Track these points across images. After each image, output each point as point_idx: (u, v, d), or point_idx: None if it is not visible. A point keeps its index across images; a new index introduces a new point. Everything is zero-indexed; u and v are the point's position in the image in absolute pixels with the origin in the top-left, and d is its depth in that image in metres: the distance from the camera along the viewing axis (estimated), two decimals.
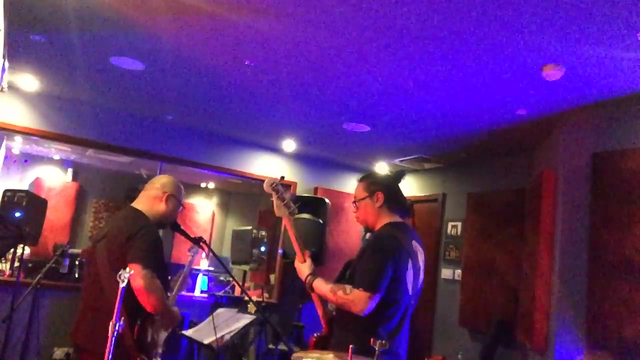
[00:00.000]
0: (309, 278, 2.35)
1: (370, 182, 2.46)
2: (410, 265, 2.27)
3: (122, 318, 1.89)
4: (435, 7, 2.46)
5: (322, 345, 2.37)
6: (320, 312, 2.43)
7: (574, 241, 3.48)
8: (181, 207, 2.78)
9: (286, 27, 2.85)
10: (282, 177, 2.45)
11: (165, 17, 2.88)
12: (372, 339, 1.75)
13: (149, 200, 2.64)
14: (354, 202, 2.50)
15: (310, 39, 2.96)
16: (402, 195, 2.48)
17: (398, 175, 2.51)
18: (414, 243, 2.36)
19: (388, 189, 2.43)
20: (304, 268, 2.41)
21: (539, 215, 3.81)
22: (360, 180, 2.51)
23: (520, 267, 4.39)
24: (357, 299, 2.14)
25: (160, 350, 2.58)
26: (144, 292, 2.34)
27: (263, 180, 6.51)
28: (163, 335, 2.60)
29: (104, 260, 2.46)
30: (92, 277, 2.51)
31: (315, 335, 2.46)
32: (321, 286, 2.30)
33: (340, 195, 6.01)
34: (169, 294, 2.67)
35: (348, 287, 2.19)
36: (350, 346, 1.74)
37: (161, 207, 2.64)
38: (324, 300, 2.40)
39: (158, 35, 3.15)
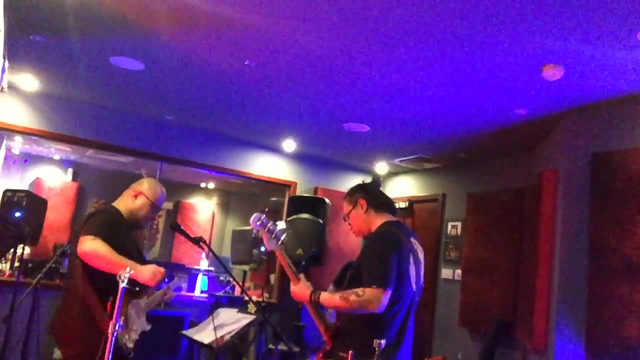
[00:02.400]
0: (313, 295, 2.31)
1: (350, 194, 2.55)
2: (411, 260, 2.29)
3: (123, 317, 1.89)
4: (435, 8, 2.46)
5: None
6: (321, 328, 2.40)
7: (574, 241, 3.48)
8: (155, 209, 2.85)
9: (286, 27, 2.85)
10: (267, 210, 2.45)
11: (165, 17, 2.88)
12: (375, 340, 1.75)
13: (123, 198, 2.81)
14: (344, 219, 2.57)
15: (311, 39, 2.96)
16: (383, 195, 2.56)
17: (374, 180, 2.59)
18: (412, 240, 2.40)
19: (367, 192, 2.50)
20: (303, 288, 2.36)
21: (539, 215, 3.81)
22: (344, 198, 2.60)
23: (520, 267, 4.39)
24: (371, 297, 2.13)
25: (135, 327, 2.63)
26: (88, 254, 2.42)
27: (263, 181, 6.52)
28: (134, 310, 2.65)
29: (72, 252, 2.60)
30: (68, 271, 2.70)
31: (320, 350, 2.45)
32: (329, 298, 2.26)
33: (340, 195, 5.95)
34: (145, 297, 2.77)
35: (359, 289, 2.16)
36: (350, 352, 1.74)
37: (129, 203, 2.78)
38: (322, 316, 2.39)
39: (158, 35, 3.15)
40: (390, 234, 2.33)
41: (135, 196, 2.79)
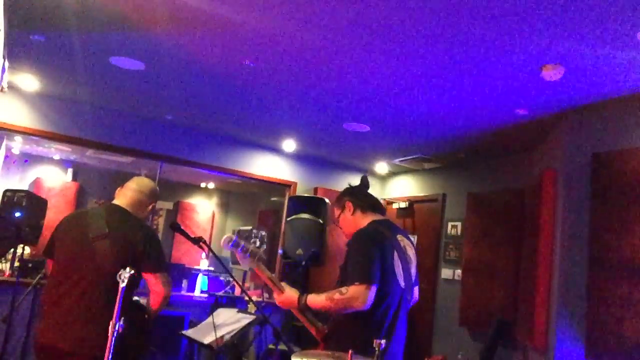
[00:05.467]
0: (301, 299, 2.32)
1: (338, 199, 2.61)
2: (396, 255, 2.30)
3: (122, 318, 1.89)
4: (435, 8, 2.46)
5: None
6: (313, 330, 2.41)
7: (574, 241, 3.48)
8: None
9: (286, 27, 2.85)
10: (238, 231, 2.47)
11: (165, 17, 2.88)
12: (372, 339, 1.75)
13: (136, 204, 2.70)
14: (335, 224, 2.62)
15: (311, 39, 2.96)
16: (369, 195, 2.59)
17: (361, 182, 2.66)
18: (400, 237, 2.41)
19: (353, 195, 2.56)
20: (289, 295, 2.37)
21: (539, 215, 3.81)
22: (333, 203, 2.66)
23: (520, 266, 4.39)
24: (356, 294, 2.14)
25: None
26: (166, 298, 2.61)
27: (263, 181, 6.50)
28: None
29: (110, 261, 2.42)
30: (90, 277, 2.44)
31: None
32: (316, 300, 2.28)
33: None
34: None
35: (343, 288, 2.19)
36: (350, 351, 1.73)
37: (144, 214, 2.79)
38: (311, 319, 2.40)
39: (158, 35, 3.15)
40: (371, 231, 2.35)
41: (152, 209, 2.82)
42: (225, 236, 2.39)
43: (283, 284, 2.43)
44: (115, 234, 2.51)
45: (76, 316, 2.38)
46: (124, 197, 2.70)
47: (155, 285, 2.57)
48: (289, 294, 2.37)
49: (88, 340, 2.32)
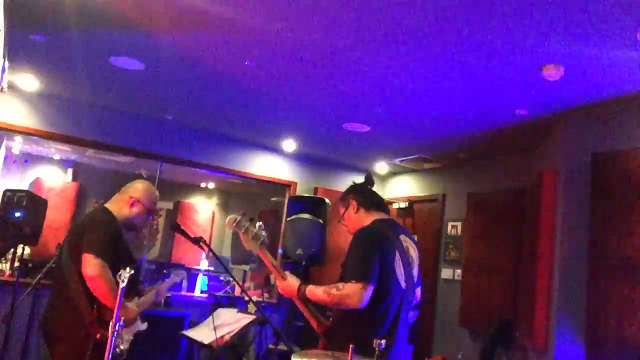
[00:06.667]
0: (301, 288, 2.34)
1: (342, 196, 2.63)
2: (397, 256, 2.30)
3: (122, 319, 1.89)
4: (435, 8, 2.46)
5: None
6: (314, 324, 2.43)
7: (574, 241, 3.48)
8: (150, 215, 2.89)
9: (286, 27, 2.85)
10: (244, 213, 2.47)
11: (165, 17, 2.88)
12: (372, 339, 1.75)
13: (118, 203, 2.79)
14: (340, 221, 2.63)
15: (310, 39, 2.96)
16: (374, 194, 2.60)
17: (366, 179, 2.65)
18: (403, 237, 2.41)
19: (357, 193, 2.56)
20: (290, 283, 2.39)
21: (539, 215, 3.81)
22: (338, 201, 2.67)
23: (520, 266, 4.39)
24: (351, 292, 2.15)
25: (126, 337, 2.65)
26: (93, 280, 2.45)
27: (263, 181, 6.52)
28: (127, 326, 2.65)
29: (66, 252, 2.60)
30: (58, 269, 2.66)
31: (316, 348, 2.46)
32: (314, 292, 2.30)
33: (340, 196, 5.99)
34: (136, 298, 2.78)
35: (340, 284, 2.21)
36: (351, 345, 1.74)
37: (125, 210, 2.77)
38: (314, 312, 2.41)
39: (158, 35, 3.15)
40: (373, 230, 2.36)
41: (132, 204, 2.78)
42: (230, 216, 2.39)
43: (287, 272, 2.44)
44: (75, 225, 2.69)
45: (49, 299, 2.72)
46: (112, 198, 2.84)
47: (85, 267, 2.45)
48: (290, 282, 2.38)
49: (45, 318, 2.63)
